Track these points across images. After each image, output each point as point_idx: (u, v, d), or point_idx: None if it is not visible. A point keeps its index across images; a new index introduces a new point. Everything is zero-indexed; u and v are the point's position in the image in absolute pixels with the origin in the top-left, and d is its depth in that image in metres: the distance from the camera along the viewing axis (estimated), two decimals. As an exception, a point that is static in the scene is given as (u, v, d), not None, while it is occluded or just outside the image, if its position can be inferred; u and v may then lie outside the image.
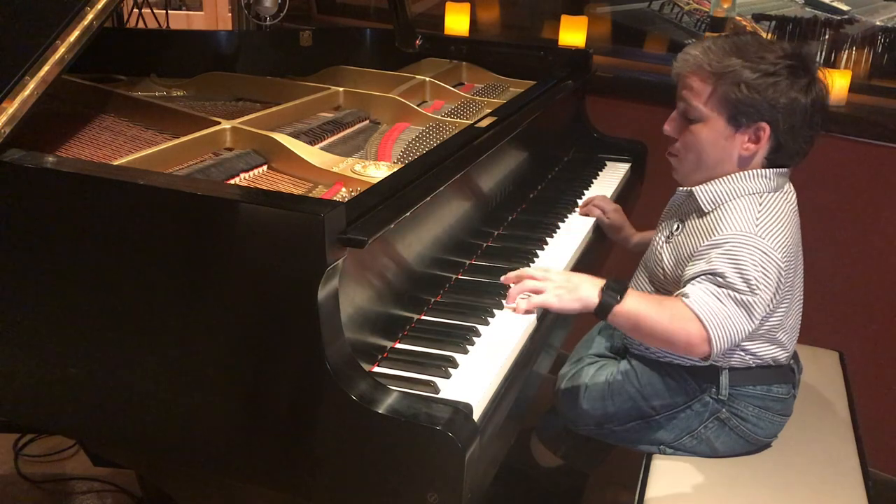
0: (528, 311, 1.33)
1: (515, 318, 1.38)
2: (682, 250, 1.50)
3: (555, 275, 1.37)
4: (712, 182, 1.49)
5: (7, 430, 2.18)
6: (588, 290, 1.34)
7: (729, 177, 1.48)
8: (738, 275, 1.36)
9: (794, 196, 1.53)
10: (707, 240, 1.43)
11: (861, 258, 2.26)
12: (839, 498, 1.51)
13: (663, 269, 1.55)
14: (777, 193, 1.48)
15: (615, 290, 1.34)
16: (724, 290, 1.37)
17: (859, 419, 1.74)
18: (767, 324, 1.49)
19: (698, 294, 1.37)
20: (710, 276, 1.38)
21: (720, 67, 1.42)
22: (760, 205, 1.45)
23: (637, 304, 1.35)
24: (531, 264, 1.60)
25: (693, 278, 1.40)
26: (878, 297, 2.26)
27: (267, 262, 1.06)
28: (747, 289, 1.36)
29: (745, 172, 1.48)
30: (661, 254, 1.57)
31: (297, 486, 1.13)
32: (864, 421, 1.75)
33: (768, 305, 1.40)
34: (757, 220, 1.42)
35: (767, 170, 1.48)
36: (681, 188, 1.57)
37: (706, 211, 1.50)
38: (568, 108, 2.31)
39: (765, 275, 1.37)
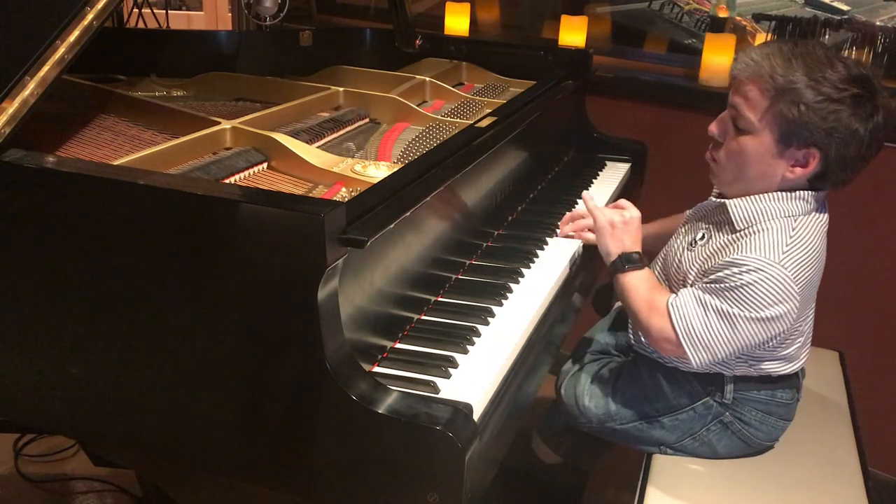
0: (575, 235, 1.69)
1: (515, 318, 1.39)
2: (707, 264, 1.44)
3: (610, 217, 1.54)
4: (749, 199, 1.43)
5: (7, 430, 2.18)
6: (617, 246, 1.51)
7: (767, 196, 1.42)
8: (736, 289, 1.34)
9: (827, 216, 1.47)
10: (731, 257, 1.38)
11: (861, 258, 2.26)
12: (839, 498, 1.51)
13: (684, 276, 1.50)
14: (812, 216, 1.43)
15: (629, 261, 1.50)
16: (710, 296, 1.37)
17: (859, 419, 1.74)
18: (780, 347, 1.48)
19: (685, 296, 1.40)
20: (708, 285, 1.38)
21: (783, 83, 1.33)
22: (794, 230, 1.39)
23: (632, 281, 1.48)
24: (531, 264, 1.60)
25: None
26: (878, 297, 2.25)
27: (267, 262, 1.06)
28: (737, 302, 1.34)
29: (785, 193, 1.41)
30: (681, 260, 1.53)
31: (297, 487, 1.13)
32: (864, 421, 1.75)
33: (762, 328, 1.36)
34: (785, 249, 1.36)
35: (807, 192, 1.41)
36: (713, 197, 1.53)
37: (737, 228, 1.44)
38: (568, 109, 2.31)
39: (766, 298, 1.34)
